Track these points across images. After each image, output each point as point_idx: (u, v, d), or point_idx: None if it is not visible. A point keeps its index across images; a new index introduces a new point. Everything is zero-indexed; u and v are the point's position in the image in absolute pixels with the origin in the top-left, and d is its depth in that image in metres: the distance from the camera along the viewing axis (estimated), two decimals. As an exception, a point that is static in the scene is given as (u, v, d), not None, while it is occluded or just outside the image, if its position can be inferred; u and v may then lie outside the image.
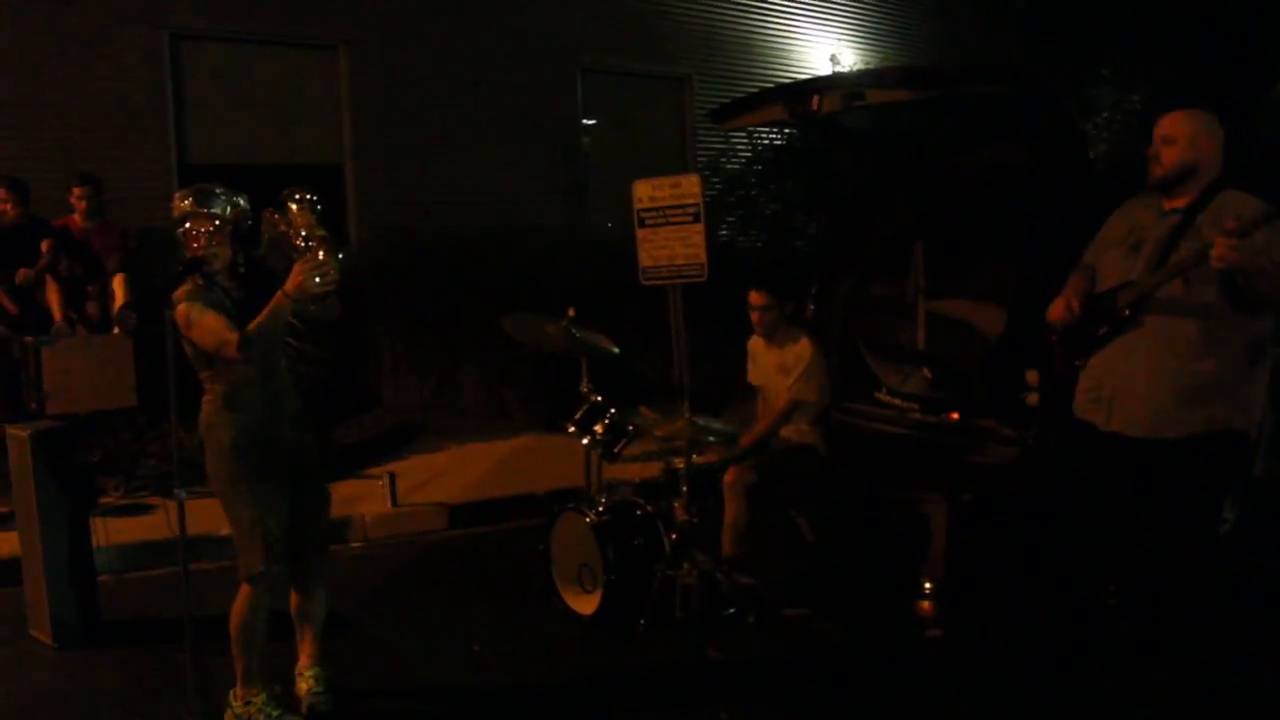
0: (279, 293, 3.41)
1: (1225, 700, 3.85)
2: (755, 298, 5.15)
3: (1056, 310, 3.83)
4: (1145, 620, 4.01)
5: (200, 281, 3.60)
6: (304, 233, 3.55)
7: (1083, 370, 3.89)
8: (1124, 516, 3.92)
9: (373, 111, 9.23)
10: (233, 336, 3.45)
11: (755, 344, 5.37)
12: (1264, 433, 5.34)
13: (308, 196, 3.64)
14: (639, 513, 4.82)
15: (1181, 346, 3.61)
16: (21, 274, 6.78)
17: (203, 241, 3.58)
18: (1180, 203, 3.70)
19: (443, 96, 9.59)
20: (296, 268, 3.40)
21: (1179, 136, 3.65)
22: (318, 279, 3.38)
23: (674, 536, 4.61)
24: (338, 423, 7.67)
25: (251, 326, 3.45)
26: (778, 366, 5.17)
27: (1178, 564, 3.82)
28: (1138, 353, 3.69)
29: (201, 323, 3.51)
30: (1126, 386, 3.71)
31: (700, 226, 4.82)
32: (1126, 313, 3.69)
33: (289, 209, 3.63)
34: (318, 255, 3.47)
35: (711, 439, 4.74)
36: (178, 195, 3.65)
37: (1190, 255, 3.50)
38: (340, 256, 3.53)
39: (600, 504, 4.81)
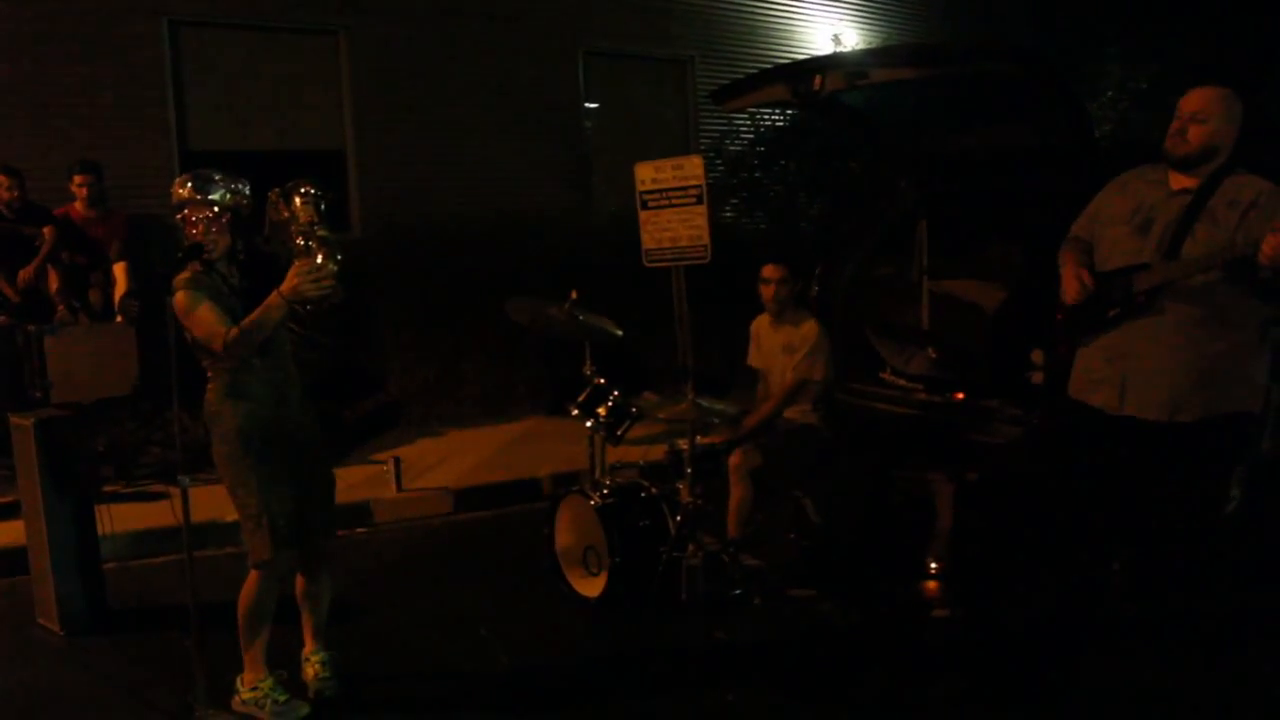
0: (275, 292, 3.41)
1: (1231, 678, 3.85)
2: (770, 271, 5.13)
3: (1071, 288, 3.78)
4: (1150, 599, 4.00)
5: (199, 268, 3.59)
6: (304, 231, 3.53)
7: (1083, 349, 3.87)
8: (1130, 497, 3.91)
9: (374, 97, 9.19)
10: (221, 331, 3.45)
11: (759, 324, 5.36)
12: (1271, 411, 5.34)
13: (312, 191, 3.59)
14: (644, 495, 4.81)
15: (1197, 331, 3.59)
16: (22, 275, 6.78)
17: (201, 228, 3.57)
18: (1190, 182, 3.66)
19: (444, 80, 9.55)
20: (294, 269, 3.40)
21: (1212, 116, 3.59)
22: (313, 283, 3.37)
23: (679, 518, 4.61)
24: (343, 408, 7.68)
25: (244, 323, 3.45)
26: (782, 346, 5.16)
27: (1183, 543, 3.81)
28: (1153, 337, 3.66)
29: (196, 313, 3.50)
30: (1141, 370, 3.68)
31: (703, 208, 4.79)
32: (1143, 298, 3.66)
33: (293, 201, 3.59)
34: (315, 259, 3.46)
35: (716, 421, 4.74)
36: (177, 181, 3.64)
37: (1217, 253, 3.47)
38: (339, 258, 3.52)
39: (605, 486, 4.81)
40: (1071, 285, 3.78)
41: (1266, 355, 3.69)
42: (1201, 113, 3.60)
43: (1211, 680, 3.82)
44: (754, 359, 5.42)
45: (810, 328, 5.10)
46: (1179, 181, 3.70)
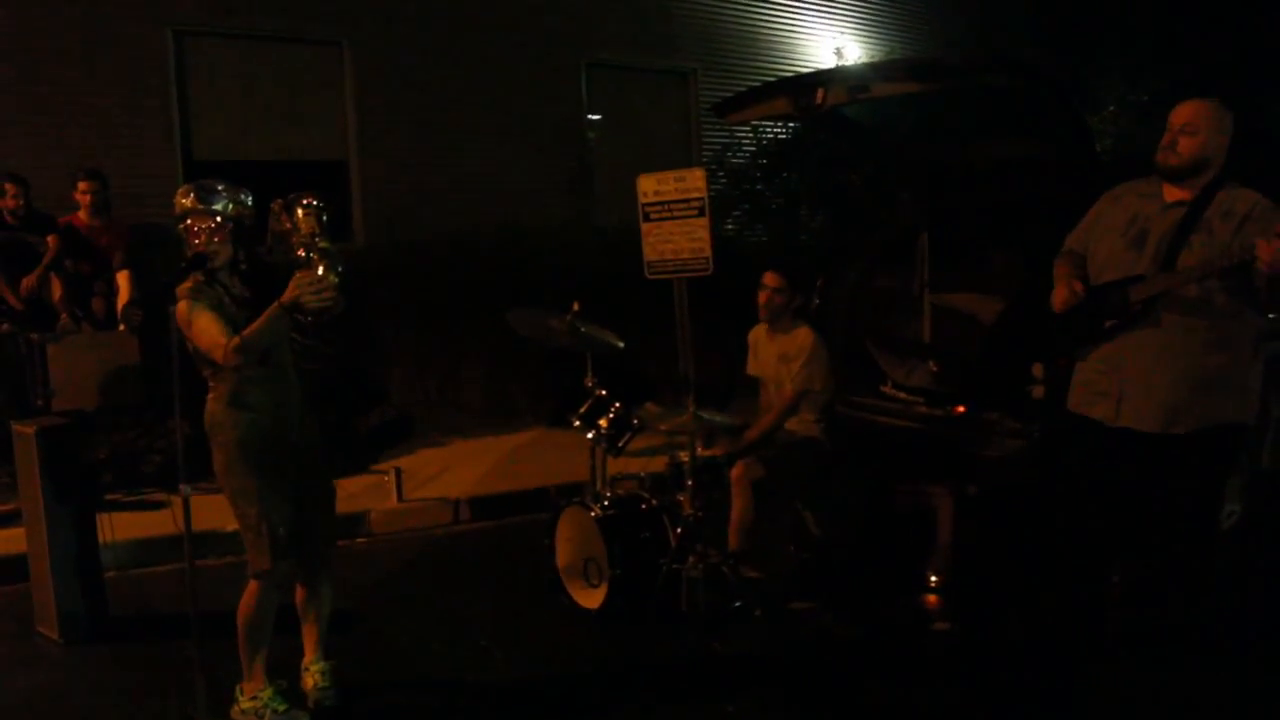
0: (275, 303, 3.42)
1: (1230, 691, 3.85)
2: (769, 278, 5.13)
3: (1061, 294, 3.81)
4: (1151, 610, 4.00)
5: (202, 278, 3.60)
6: (305, 243, 3.55)
7: (1081, 362, 3.88)
8: (1129, 509, 3.91)
9: (377, 107, 9.23)
10: (223, 341, 3.46)
11: (756, 334, 5.37)
12: (1271, 424, 5.34)
13: (314, 203, 3.61)
14: (644, 507, 4.82)
15: (1193, 343, 3.60)
16: (25, 283, 6.79)
17: (203, 238, 3.59)
18: (1185, 195, 3.68)
19: (447, 92, 9.59)
20: (294, 280, 3.41)
21: (1201, 127, 3.61)
22: (314, 294, 3.38)
23: (679, 530, 4.61)
24: (348, 418, 7.68)
25: (245, 334, 3.46)
26: (779, 356, 5.16)
27: (1182, 553, 3.81)
28: (1149, 349, 3.66)
29: (198, 324, 3.51)
30: (1137, 382, 3.69)
31: (705, 220, 4.80)
32: (1138, 309, 3.66)
33: (295, 213, 3.61)
34: (316, 270, 3.48)
35: (717, 432, 4.74)
36: (180, 191, 3.65)
37: (1210, 262, 3.47)
38: (340, 270, 3.54)
39: (605, 498, 4.81)
40: (1061, 293, 3.81)
41: (1260, 367, 3.70)
42: (1190, 125, 3.62)
43: (1211, 692, 3.81)
44: (752, 367, 5.43)
45: (805, 336, 5.10)
46: (1173, 194, 3.71)
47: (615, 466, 5.18)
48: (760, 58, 11.79)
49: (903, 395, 5.69)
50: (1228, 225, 3.55)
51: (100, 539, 4.82)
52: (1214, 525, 3.86)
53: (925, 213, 6.09)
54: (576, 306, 4.90)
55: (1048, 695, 3.92)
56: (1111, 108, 11.67)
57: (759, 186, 10.91)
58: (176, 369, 3.39)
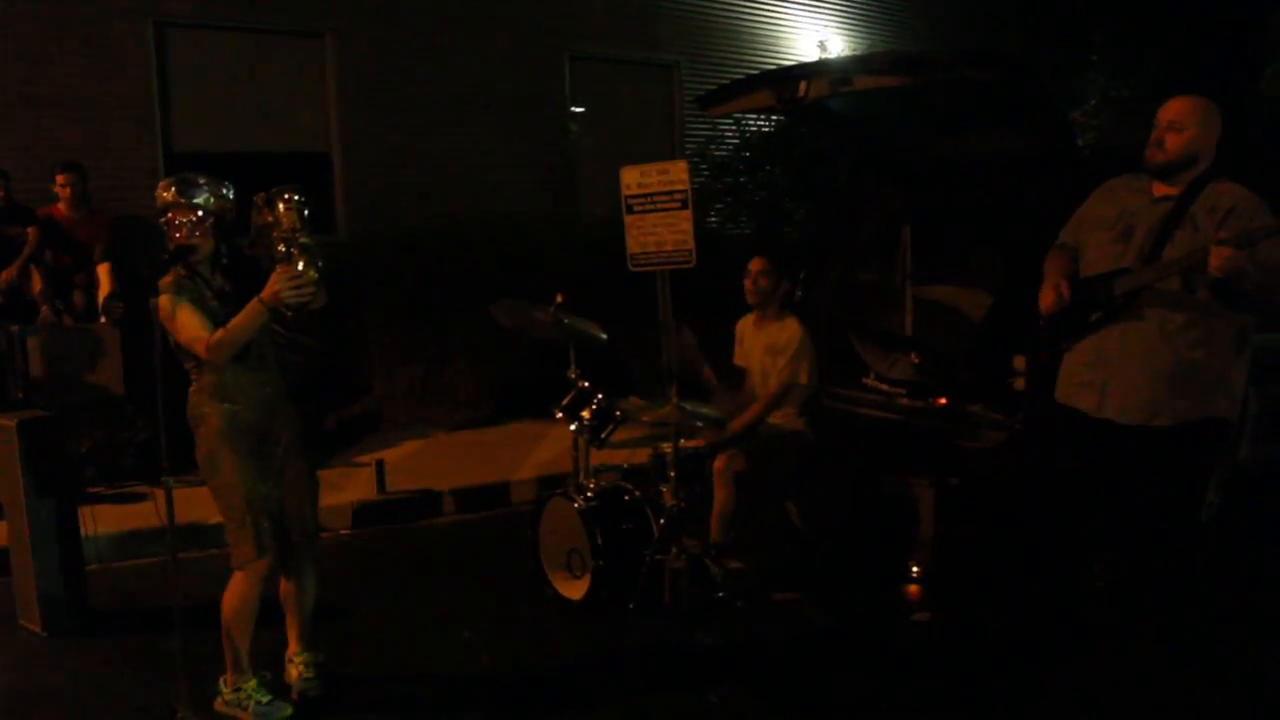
0: (255, 299, 3.43)
1: (1209, 682, 3.89)
2: (755, 263, 5.15)
3: (1048, 298, 3.82)
4: (1131, 603, 4.04)
5: (183, 272, 3.60)
6: (286, 238, 3.54)
7: (1067, 354, 3.91)
8: (1110, 501, 3.95)
9: (360, 99, 9.19)
10: (204, 335, 3.47)
11: (744, 325, 5.38)
12: (1249, 418, 5.38)
13: (296, 198, 3.60)
14: (627, 498, 4.83)
15: (1176, 336, 3.62)
16: (5, 275, 6.75)
17: (184, 232, 3.58)
18: (1171, 190, 3.70)
19: (430, 84, 9.56)
20: (274, 276, 3.43)
21: (1188, 124, 3.64)
22: (294, 290, 3.39)
23: (662, 522, 4.63)
24: (328, 411, 7.67)
25: (226, 329, 3.48)
26: (766, 348, 5.17)
27: (1163, 547, 3.85)
28: (1131, 341, 3.69)
29: (180, 318, 3.52)
30: (1120, 374, 3.72)
31: (688, 213, 4.81)
32: (1121, 302, 3.69)
33: (276, 208, 3.61)
34: (296, 266, 3.48)
35: (699, 424, 4.75)
36: (161, 185, 3.64)
37: (1192, 255, 3.51)
38: (319, 265, 3.54)
39: (588, 490, 4.82)
40: (1048, 295, 3.83)
41: (1246, 363, 3.73)
42: (1178, 121, 3.64)
43: (1188, 683, 3.85)
44: (739, 358, 5.44)
45: (793, 330, 5.11)
46: (1160, 189, 3.74)
47: (598, 458, 5.19)
48: (744, 50, 11.80)
49: (885, 387, 5.72)
50: (1212, 220, 3.58)
51: (82, 532, 4.80)
52: (1196, 519, 3.89)
53: (907, 206, 6.11)
54: (560, 298, 4.91)
55: (1027, 685, 3.95)
56: (1093, 102, 11.73)
57: (742, 179, 10.93)
58: (159, 361, 3.39)
